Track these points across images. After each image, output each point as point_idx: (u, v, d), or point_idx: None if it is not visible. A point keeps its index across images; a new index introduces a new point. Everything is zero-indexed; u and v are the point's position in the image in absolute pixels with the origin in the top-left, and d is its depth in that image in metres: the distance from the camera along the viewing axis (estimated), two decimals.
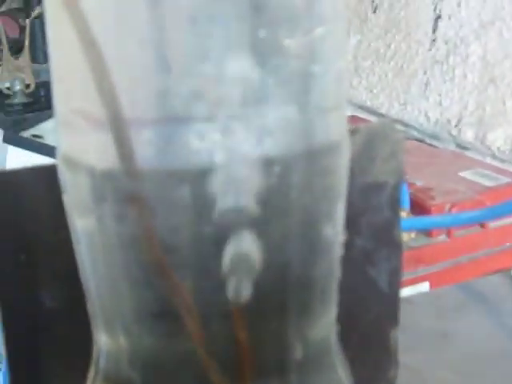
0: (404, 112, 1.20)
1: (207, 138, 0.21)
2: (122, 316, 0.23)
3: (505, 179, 0.85)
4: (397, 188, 0.32)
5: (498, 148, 1.03)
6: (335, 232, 0.24)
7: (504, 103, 1.02)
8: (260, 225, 0.22)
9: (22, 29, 1.50)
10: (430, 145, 1.08)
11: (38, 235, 0.30)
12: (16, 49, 1.33)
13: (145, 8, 0.20)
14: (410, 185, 0.81)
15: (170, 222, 0.22)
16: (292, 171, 0.22)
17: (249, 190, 0.21)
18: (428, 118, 1.15)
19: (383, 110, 1.25)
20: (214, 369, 0.23)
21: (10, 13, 1.68)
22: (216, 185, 0.21)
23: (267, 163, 0.21)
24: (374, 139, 0.32)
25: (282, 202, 0.22)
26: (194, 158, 0.21)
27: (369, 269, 0.33)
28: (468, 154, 1.04)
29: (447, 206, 0.78)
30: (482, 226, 0.79)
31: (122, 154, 0.21)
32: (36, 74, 1.28)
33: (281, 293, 0.23)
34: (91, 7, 0.21)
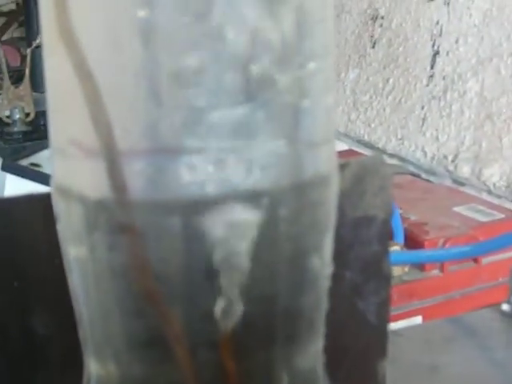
0: (401, 147, 1.20)
1: (198, 169, 0.21)
2: (112, 343, 0.24)
3: (499, 215, 0.85)
4: (386, 222, 0.33)
5: (494, 184, 1.03)
6: (323, 264, 0.24)
7: (500, 139, 1.03)
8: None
9: (23, 58, 1.51)
10: (426, 180, 1.08)
11: (32, 263, 0.30)
12: (17, 77, 1.33)
13: (138, 42, 0.21)
14: (405, 219, 0.81)
15: (161, 252, 0.22)
16: (281, 204, 0.22)
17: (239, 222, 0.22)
18: (425, 153, 1.15)
19: (380, 145, 1.25)
20: None
21: (11, 42, 1.69)
22: (207, 217, 0.21)
23: (256, 195, 0.22)
24: (363, 173, 0.32)
25: (271, 234, 0.22)
26: (185, 189, 0.21)
27: (357, 301, 0.33)
28: (464, 189, 1.04)
29: (441, 241, 0.78)
30: (475, 261, 0.79)
31: (114, 184, 0.21)
32: (36, 102, 1.27)
33: (268, 323, 0.23)
34: (86, 40, 0.21)
